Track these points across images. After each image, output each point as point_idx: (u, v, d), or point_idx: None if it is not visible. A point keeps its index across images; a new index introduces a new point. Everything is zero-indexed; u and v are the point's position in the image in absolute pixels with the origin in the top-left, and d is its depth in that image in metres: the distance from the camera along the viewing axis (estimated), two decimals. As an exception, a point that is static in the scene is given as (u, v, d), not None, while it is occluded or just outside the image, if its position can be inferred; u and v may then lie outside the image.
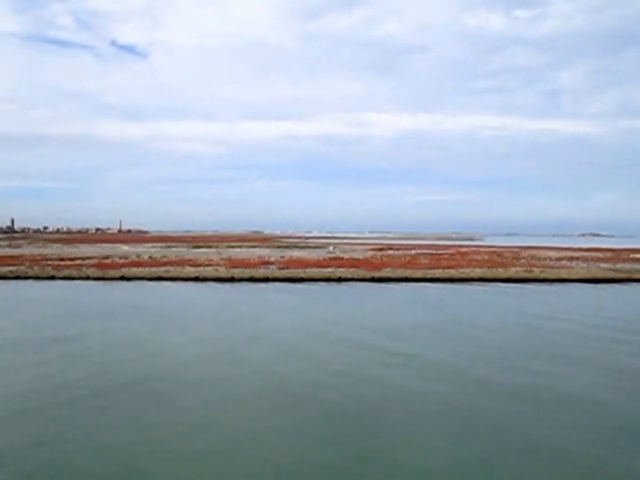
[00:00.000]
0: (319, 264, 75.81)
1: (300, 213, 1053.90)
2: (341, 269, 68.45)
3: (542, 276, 65.75)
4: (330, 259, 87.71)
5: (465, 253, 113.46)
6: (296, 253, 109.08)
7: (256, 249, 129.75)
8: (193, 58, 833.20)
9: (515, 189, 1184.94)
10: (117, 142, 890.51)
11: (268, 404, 19.46)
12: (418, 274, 65.56)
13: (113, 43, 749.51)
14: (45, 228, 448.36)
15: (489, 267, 72.71)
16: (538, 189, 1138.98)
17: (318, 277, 62.89)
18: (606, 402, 19.84)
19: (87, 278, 62.56)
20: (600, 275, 67.95)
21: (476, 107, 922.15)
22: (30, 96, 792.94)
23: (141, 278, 62.38)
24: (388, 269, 69.20)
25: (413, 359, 26.09)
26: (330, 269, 68.25)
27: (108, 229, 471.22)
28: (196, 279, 61.93)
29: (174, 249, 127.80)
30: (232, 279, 61.82)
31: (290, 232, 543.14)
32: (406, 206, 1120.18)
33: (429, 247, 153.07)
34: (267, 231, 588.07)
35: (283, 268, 69.45)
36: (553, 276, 66.01)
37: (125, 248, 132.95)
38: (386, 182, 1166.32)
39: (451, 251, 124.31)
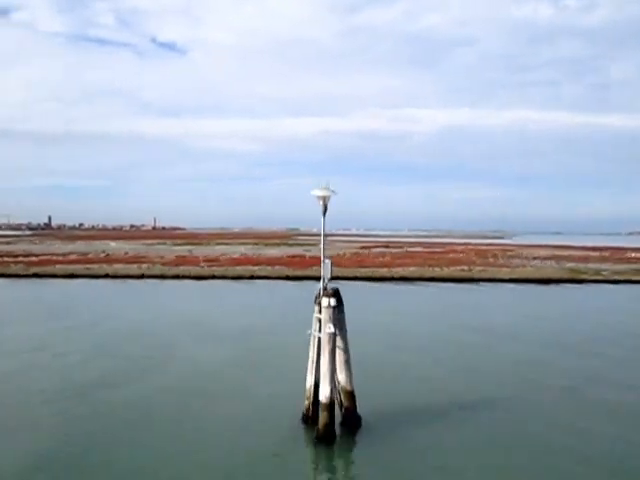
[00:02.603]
0: (256, 262, 73.51)
1: (339, 210, 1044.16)
2: (268, 267, 65.63)
3: (477, 276, 61.43)
4: (281, 257, 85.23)
5: (444, 252, 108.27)
6: (272, 251, 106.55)
7: (241, 247, 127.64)
8: (231, 55, 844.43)
9: (562, 186, 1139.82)
10: (155, 139, 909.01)
11: None
12: (345, 272, 62.06)
13: (153, 40, 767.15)
14: (81, 225, 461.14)
15: (429, 266, 68.42)
16: (586, 186, 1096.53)
17: (231, 275, 60.46)
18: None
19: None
20: (548, 275, 62.69)
21: (521, 101, 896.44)
22: (72, 95, 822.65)
23: (54, 275, 61.71)
24: (317, 268, 65.47)
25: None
26: (256, 267, 65.36)
27: (142, 226, 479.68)
28: (106, 276, 60.80)
29: (156, 247, 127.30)
30: (142, 276, 60.52)
31: (327, 229, 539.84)
32: (448, 203, 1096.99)
33: (423, 245, 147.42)
34: (304, 228, 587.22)
35: (211, 266, 67.27)
36: (488, 276, 61.57)
37: (113, 245, 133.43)
38: (427, 178, 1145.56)
39: (433, 249, 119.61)
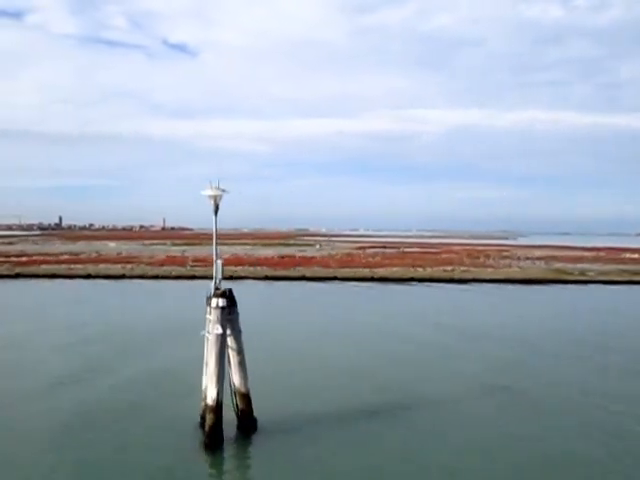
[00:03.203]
0: (243, 262, 73.80)
1: (348, 210, 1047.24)
2: (250, 268, 65.84)
3: (459, 276, 61.11)
4: (271, 258, 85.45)
5: (437, 252, 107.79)
6: (266, 252, 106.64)
7: (238, 247, 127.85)
8: (242, 56, 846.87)
9: (571, 186, 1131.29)
10: (165, 140, 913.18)
11: None
12: (327, 273, 62.31)
13: (164, 42, 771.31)
14: (91, 225, 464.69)
15: (414, 266, 68.15)
16: (595, 186, 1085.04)
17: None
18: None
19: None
20: (532, 276, 62.18)
21: (530, 101, 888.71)
22: (85, 96, 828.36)
23: (37, 275, 62.19)
24: (300, 268, 65.58)
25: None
26: (238, 268, 65.35)
27: (152, 226, 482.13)
28: (88, 276, 61.23)
29: (153, 247, 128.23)
30: (123, 276, 61.09)
31: (336, 230, 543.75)
32: (456, 203, 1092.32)
33: (421, 245, 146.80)
34: (313, 228, 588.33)
35: (196, 266, 67.85)
36: (470, 276, 61.29)
37: (111, 245, 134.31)
38: (435, 179, 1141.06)
39: (428, 250, 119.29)
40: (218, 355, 15.91)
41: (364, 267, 67.78)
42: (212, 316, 16.00)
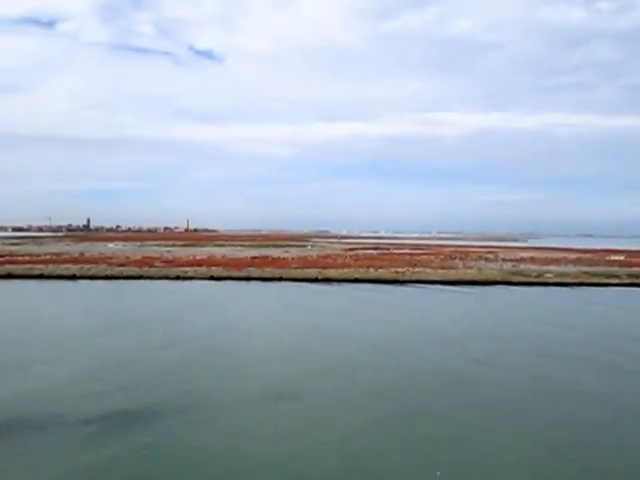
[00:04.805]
0: (209, 263, 75.61)
1: (370, 213, 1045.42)
2: (203, 268, 67.25)
3: (406, 277, 61.60)
4: (244, 258, 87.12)
5: (417, 254, 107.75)
6: (251, 252, 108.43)
7: (228, 248, 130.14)
8: (266, 61, 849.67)
9: (592, 189, 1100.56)
10: (191, 144, 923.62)
11: None
12: (273, 273, 63.48)
13: (191, 48, 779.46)
14: (117, 227, 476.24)
15: (367, 268, 68.81)
16: (617, 189, 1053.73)
17: (157, 276, 62.65)
18: None
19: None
20: (484, 277, 62.06)
21: (552, 104, 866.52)
22: (114, 102, 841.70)
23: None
24: (252, 269, 66.93)
25: None
26: (189, 268, 67.18)
27: (176, 228, 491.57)
28: (40, 276, 63.02)
29: (148, 247, 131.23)
30: (74, 277, 62.76)
31: (356, 232, 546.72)
32: (477, 206, 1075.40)
33: (412, 247, 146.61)
34: (334, 230, 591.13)
35: (168, 266, 69.93)
36: (418, 277, 61.61)
37: (110, 245, 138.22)
38: (456, 182, 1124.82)
39: (413, 252, 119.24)
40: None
41: (323, 268, 68.46)
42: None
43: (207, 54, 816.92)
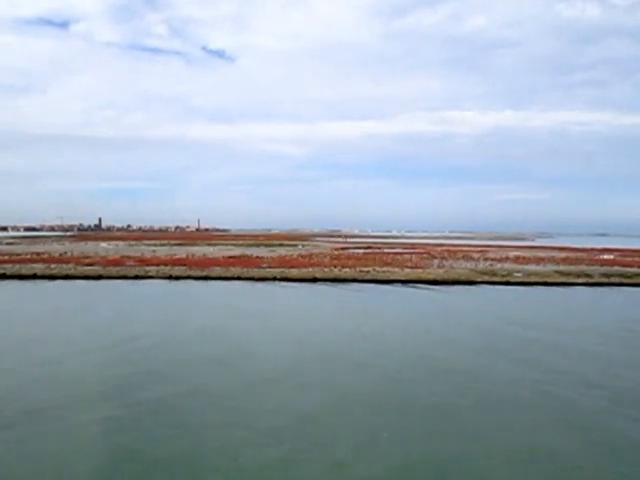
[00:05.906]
0: (182, 262, 75.26)
1: (382, 212, 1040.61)
2: (166, 267, 66.98)
3: (368, 277, 60.78)
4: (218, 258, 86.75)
5: (400, 253, 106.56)
6: (236, 252, 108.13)
7: (217, 247, 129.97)
8: (279, 60, 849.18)
9: (608, 187, 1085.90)
10: (204, 143, 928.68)
11: None
12: (234, 272, 63.09)
13: (204, 48, 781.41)
14: (128, 226, 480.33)
15: (334, 267, 68.05)
16: (633, 187, 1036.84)
17: (122, 275, 62.46)
18: None
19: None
20: (450, 277, 60.92)
21: (567, 102, 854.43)
22: (127, 102, 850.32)
23: None
24: (218, 268, 66.44)
25: None
26: (153, 267, 66.89)
27: (187, 227, 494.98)
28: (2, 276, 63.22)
29: (137, 247, 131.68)
30: (34, 276, 62.82)
31: (368, 231, 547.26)
32: (491, 205, 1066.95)
33: (404, 246, 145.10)
34: (345, 230, 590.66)
35: (143, 265, 70.09)
36: (376, 277, 60.62)
37: (103, 245, 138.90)
38: (469, 181, 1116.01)
39: (403, 251, 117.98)
40: None
41: (289, 268, 67.70)
42: None
43: (220, 54, 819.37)
